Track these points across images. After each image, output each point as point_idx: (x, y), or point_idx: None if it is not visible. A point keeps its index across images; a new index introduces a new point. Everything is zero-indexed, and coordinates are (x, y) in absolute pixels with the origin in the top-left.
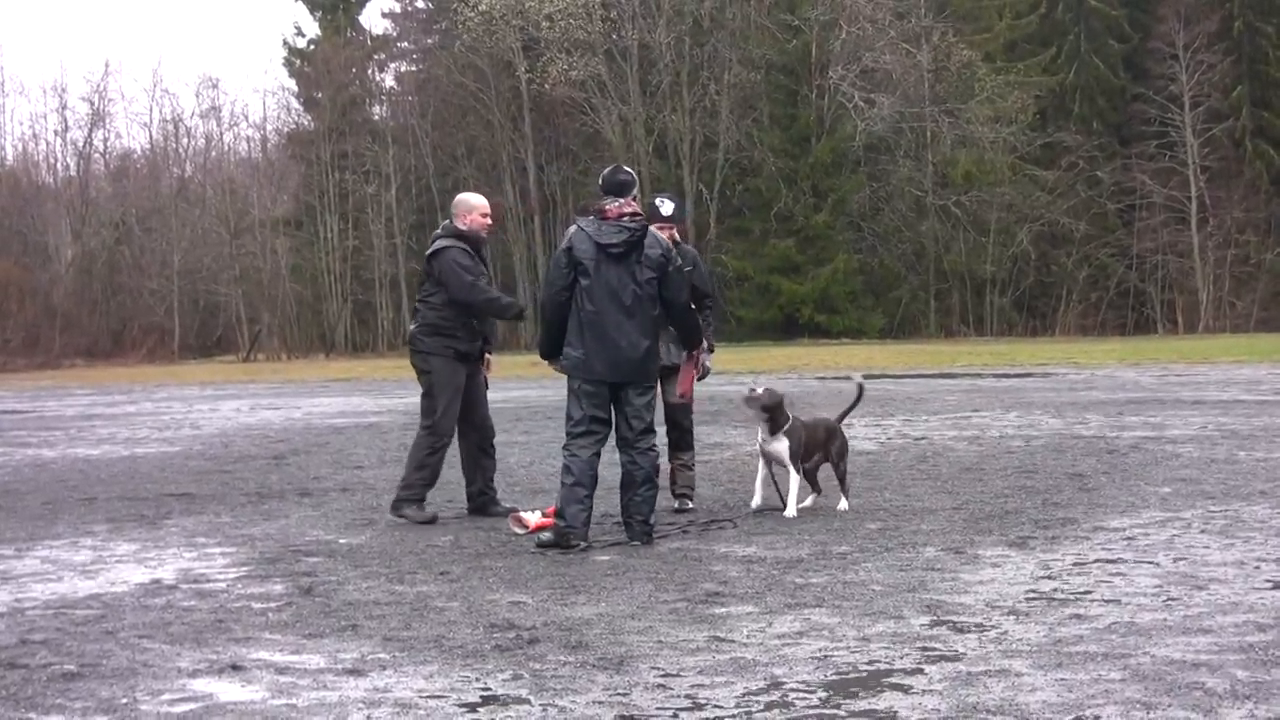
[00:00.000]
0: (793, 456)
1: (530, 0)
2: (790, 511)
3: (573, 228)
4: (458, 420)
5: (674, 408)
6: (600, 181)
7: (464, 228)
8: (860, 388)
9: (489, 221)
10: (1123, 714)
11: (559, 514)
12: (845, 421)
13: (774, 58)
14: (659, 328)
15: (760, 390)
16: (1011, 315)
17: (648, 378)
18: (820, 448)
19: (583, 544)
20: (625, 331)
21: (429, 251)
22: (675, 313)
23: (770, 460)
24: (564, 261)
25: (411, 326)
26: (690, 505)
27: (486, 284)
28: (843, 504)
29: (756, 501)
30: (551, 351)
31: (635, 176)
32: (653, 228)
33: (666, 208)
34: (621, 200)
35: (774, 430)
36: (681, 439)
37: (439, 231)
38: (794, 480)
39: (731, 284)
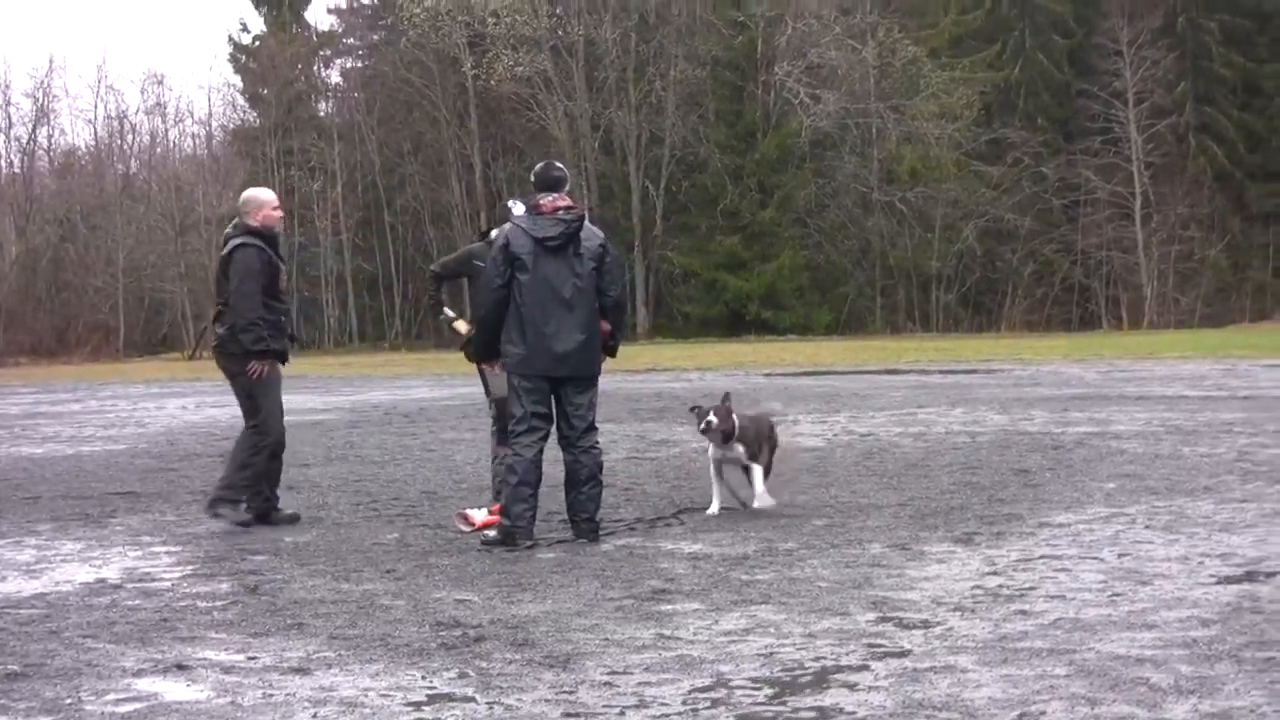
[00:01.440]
0: (751, 455)
1: None
2: (761, 502)
3: (506, 225)
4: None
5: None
6: (533, 177)
7: (256, 224)
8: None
9: (280, 214)
10: (1067, 709)
11: (504, 513)
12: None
13: (720, 54)
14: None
15: (714, 419)
16: (957, 311)
17: (589, 373)
18: (766, 439)
19: (529, 542)
20: (565, 326)
21: (224, 251)
22: (610, 306)
23: (725, 463)
24: (500, 259)
25: (220, 330)
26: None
27: (284, 283)
28: (763, 499)
29: (714, 508)
30: (488, 354)
31: (567, 172)
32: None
33: (519, 209)
34: (555, 195)
35: (727, 439)
36: None
37: (230, 230)
38: (758, 471)
39: (677, 280)
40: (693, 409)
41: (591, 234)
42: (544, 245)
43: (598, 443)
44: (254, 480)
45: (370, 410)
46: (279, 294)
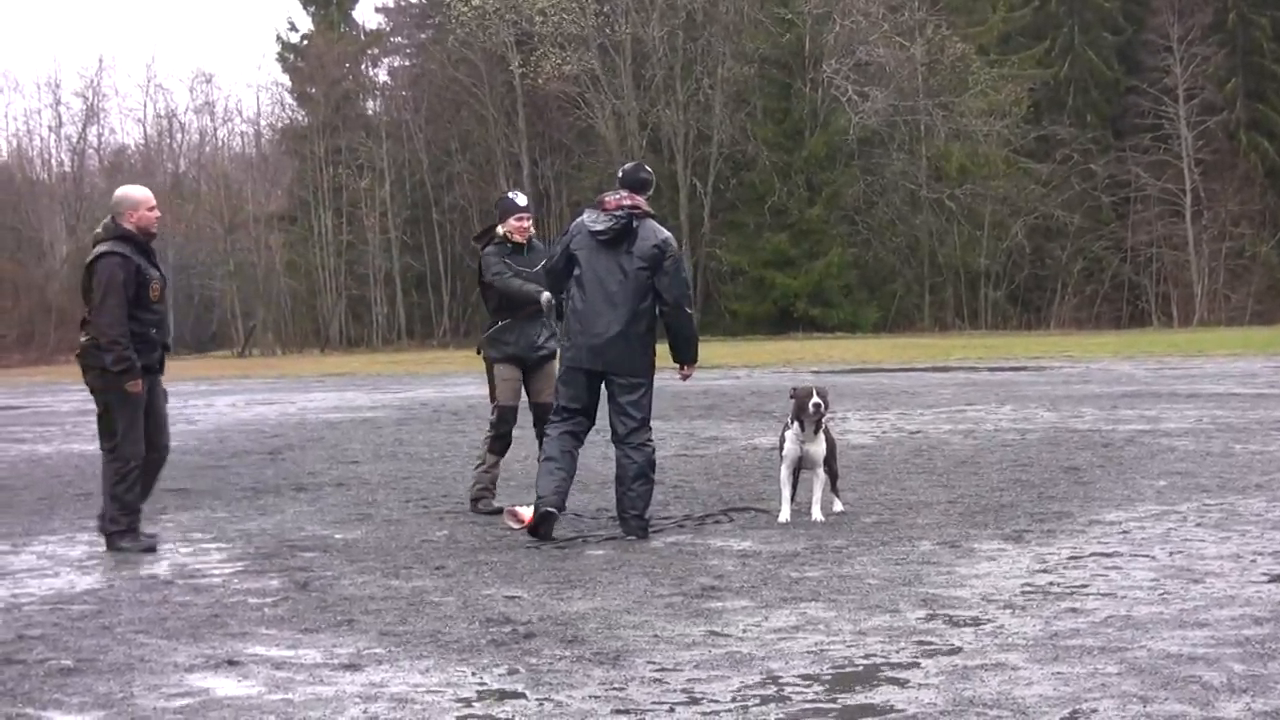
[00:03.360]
0: (826, 459)
1: None
2: (830, 509)
3: (577, 219)
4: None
5: (543, 407)
6: (620, 174)
7: (130, 227)
8: None
9: (157, 216)
10: (1119, 707)
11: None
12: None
13: (767, 51)
14: (650, 322)
15: (817, 399)
16: (1006, 309)
17: (629, 369)
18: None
19: (557, 511)
20: (605, 320)
21: (90, 259)
22: (669, 313)
23: (803, 465)
24: (559, 250)
25: (83, 339)
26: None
27: (159, 288)
28: (837, 504)
29: (785, 515)
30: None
31: (655, 177)
32: (511, 220)
33: (522, 198)
34: (624, 194)
35: (818, 429)
36: None
37: (100, 233)
38: (824, 482)
39: (725, 278)
40: (792, 393)
41: (651, 234)
42: (596, 239)
43: (649, 440)
44: (129, 509)
45: (419, 408)
46: (150, 303)
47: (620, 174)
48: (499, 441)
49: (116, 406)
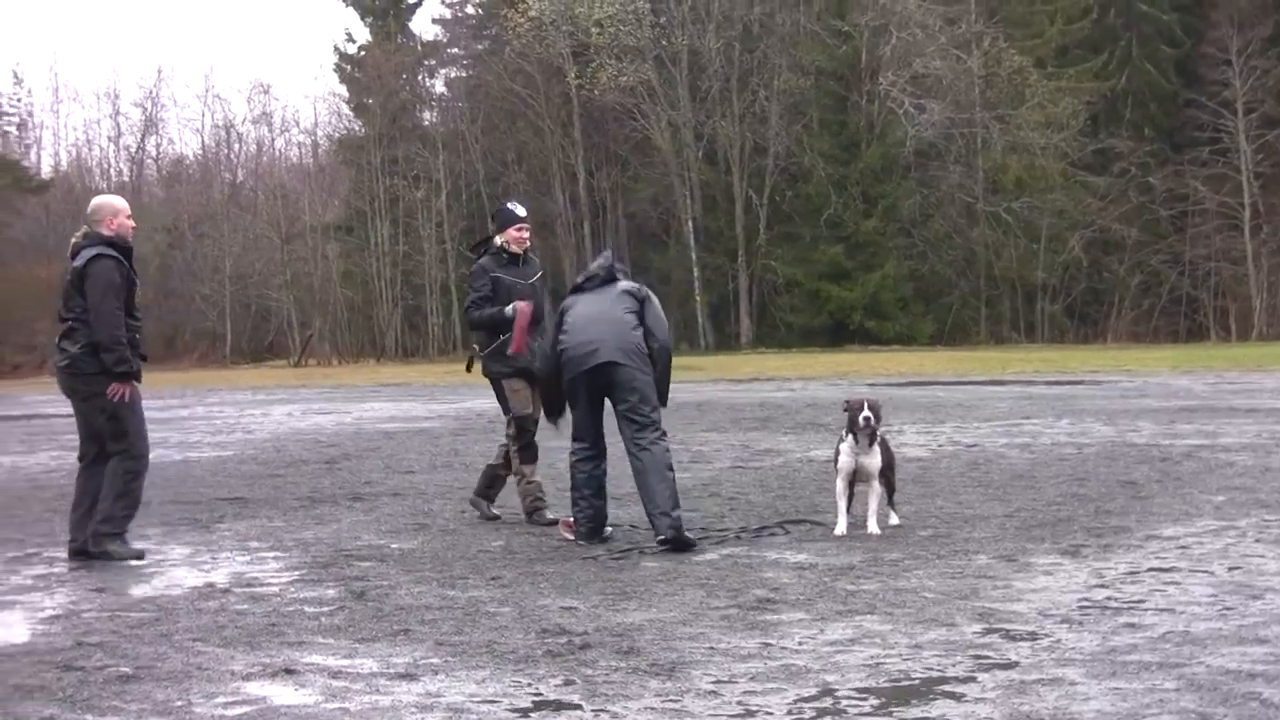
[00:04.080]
0: (883, 471)
1: (580, 6)
2: (885, 522)
3: None
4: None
5: (526, 417)
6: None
7: (110, 234)
8: None
9: (134, 224)
10: None
11: None
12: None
13: (824, 63)
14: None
15: (870, 415)
16: (1063, 322)
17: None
18: (889, 455)
19: (582, 542)
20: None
21: (81, 262)
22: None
23: (858, 477)
24: None
25: (74, 349)
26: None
27: (139, 297)
28: (893, 518)
29: (842, 528)
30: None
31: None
32: (511, 230)
33: (520, 210)
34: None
35: (872, 442)
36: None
37: (81, 240)
38: (880, 495)
39: (781, 290)
40: (845, 405)
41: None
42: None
43: (659, 440)
44: (134, 508)
45: (474, 418)
46: (134, 310)
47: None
48: (527, 451)
49: (121, 407)
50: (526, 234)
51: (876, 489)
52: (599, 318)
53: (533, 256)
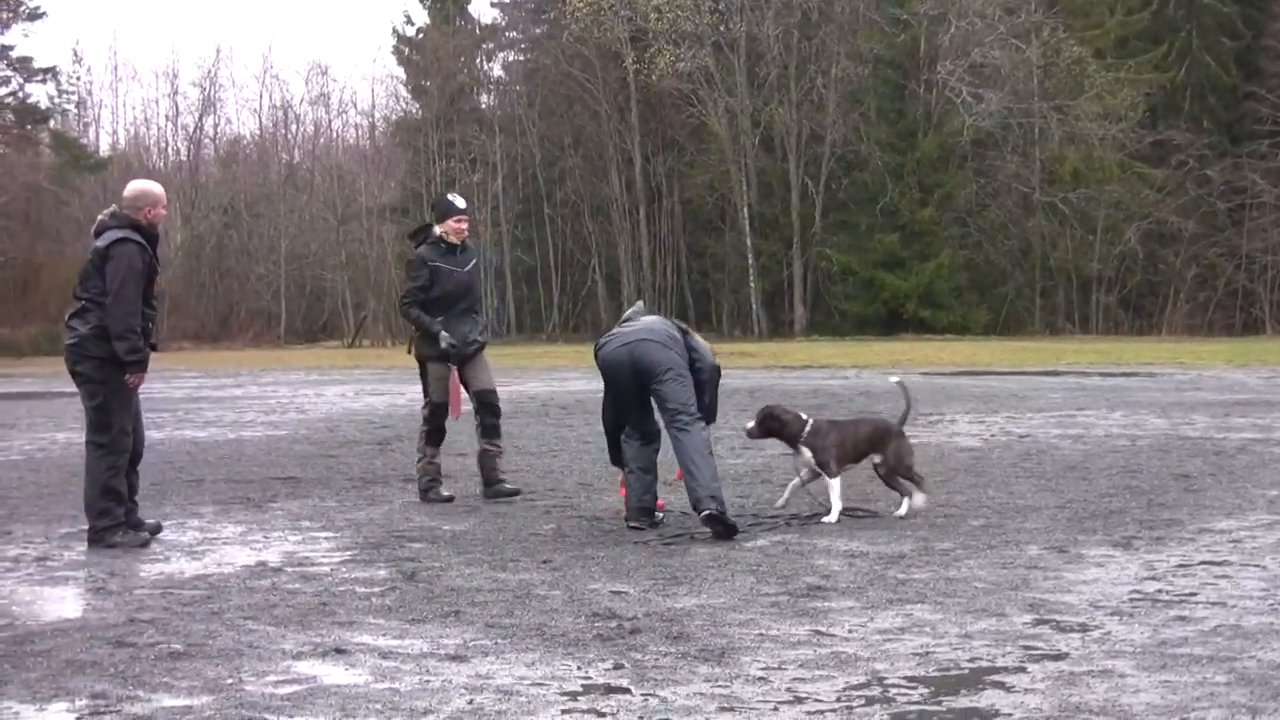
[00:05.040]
0: (821, 462)
1: None
2: (832, 517)
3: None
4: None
5: (483, 393)
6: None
7: (142, 221)
8: (902, 387)
9: (165, 214)
10: (1227, 718)
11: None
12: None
13: (882, 52)
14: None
15: (751, 424)
16: (1118, 314)
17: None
18: (869, 446)
19: (633, 523)
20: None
21: (104, 243)
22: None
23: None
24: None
25: (84, 329)
26: (511, 487)
27: (159, 285)
28: (902, 507)
29: (780, 501)
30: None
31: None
32: (450, 221)
33: (460, 202)
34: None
35: (793, 444)
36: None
37: (108, 220)
38: (832, 484)
39: (836, 278)
40: None
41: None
42: None
43: (697, 420)
44: (122, 499)
45: (527, 401)
46: (150, 298)
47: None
48: (434, 435)
49: (113, 398)
50: (465, 225)
51: (827, 478)
52: (635, 328)
53: (470, 244)
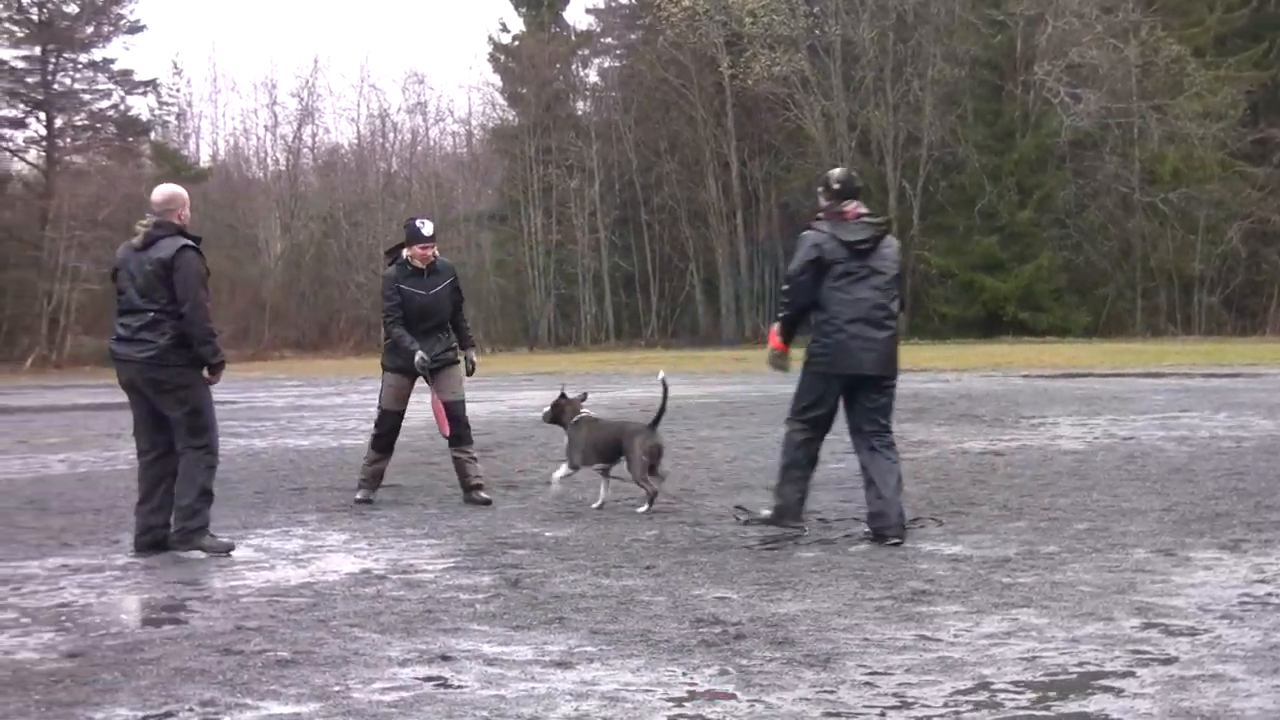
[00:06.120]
0: (567, 452)
1: None
2: (547, 496)
3: (810, 234)
4: (170, 441)
5: (451, 404)
6: (837, 185)
7: (181, 224)
8: (663, 384)
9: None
10: None
11: (776, 493)
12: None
13: (978, 53)
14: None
15: (547, 409)
16: (1220, 314)
17: (895, 370)
18: (615, 448)
19: (796, 525)
20: (873, 325)
21: (166, 254)
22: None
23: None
24: (804, 266)
25: (162, 340)
26: (485, 496)
27: None
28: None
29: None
30: (790, 337)
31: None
32: (416, 247)
33: (428, 228)
34: (856, 202)
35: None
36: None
37: (154, 230)
38: (558, 471)
39: (934, 281)
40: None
41: (889, 241)
42: (854, 249)
43: (894, 443)
44: (211, 502)
45: (627, 407)
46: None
47: (836, 184)
48: (380, 440)
49: (203, 401)
50: (429, 252)
51: (563, 466)
52: (869, 315)
53: (443, 265)
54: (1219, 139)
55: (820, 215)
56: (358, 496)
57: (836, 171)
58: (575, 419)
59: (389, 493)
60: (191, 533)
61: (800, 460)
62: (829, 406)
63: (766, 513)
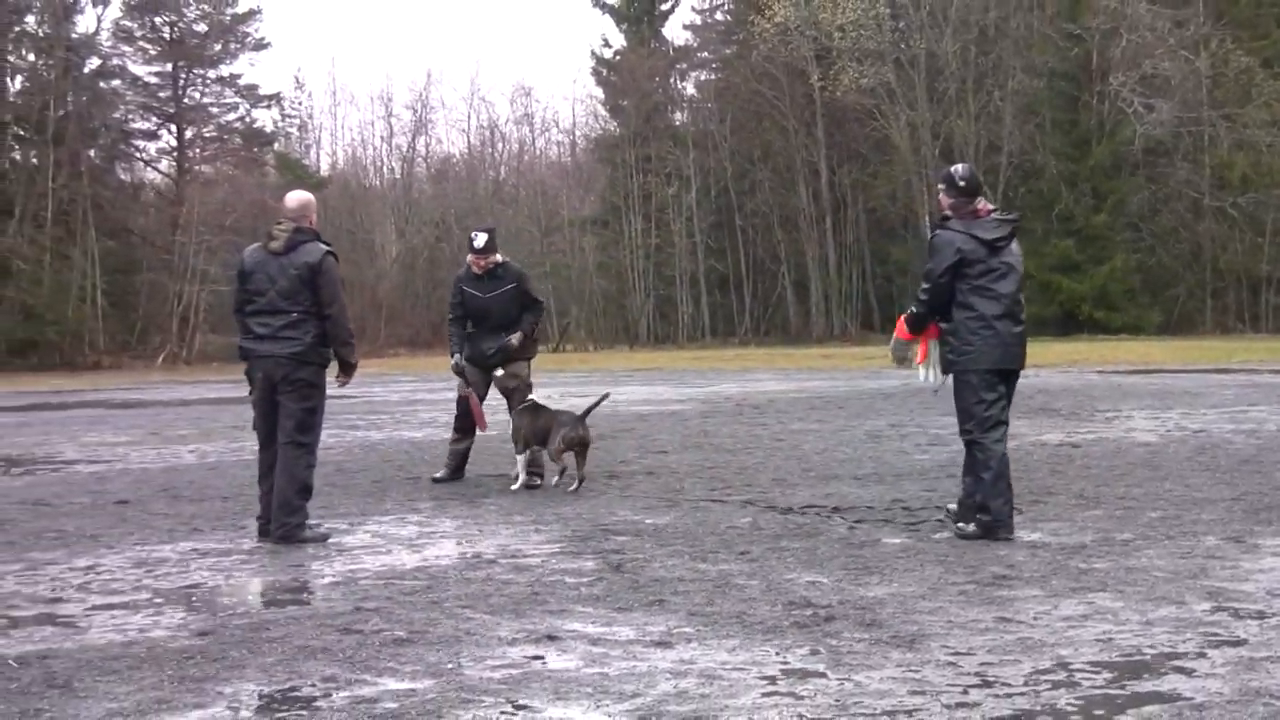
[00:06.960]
0: (511, 436)
1: (823, 12)
2: (515, 485)
3: (945, 233)
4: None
5: (508, 392)
6: (962, 182)
7: (313, 228)
8: (605, 395)
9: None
10: None
11: (983, 508)
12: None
13: (1056, 65)
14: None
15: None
16: None
17: (1024, 364)
18: (544, 433)
19: (1009, 536)
20: (1015, 320)
21: (313, 259)
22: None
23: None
24: (943, 269)
25: (307, 338)
26: (539, 482)
27: None
28: (573, 485)
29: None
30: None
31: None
32: (470, 256)
33: (479, 240)
34: (982, 198)
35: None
36: None
37: (293, 234)
38: (519, 458)
39: None
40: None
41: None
42: (993, 246)
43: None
44: (310, 495)
45: (722, 401)
46: None
47: (963, 181)
48: (459, 420)
49: (322, 402)
50: (483, 262)
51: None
52: (1011, 310)
53: (506, 269)
54: None
55: (948, 214)
56: (436, 475)
57: (960, 168)
58: (520, 407)
59: (497, 482)
60: (294, 528)
61: (1004, 468)
62: (998, 393)
63: (972, 528)
